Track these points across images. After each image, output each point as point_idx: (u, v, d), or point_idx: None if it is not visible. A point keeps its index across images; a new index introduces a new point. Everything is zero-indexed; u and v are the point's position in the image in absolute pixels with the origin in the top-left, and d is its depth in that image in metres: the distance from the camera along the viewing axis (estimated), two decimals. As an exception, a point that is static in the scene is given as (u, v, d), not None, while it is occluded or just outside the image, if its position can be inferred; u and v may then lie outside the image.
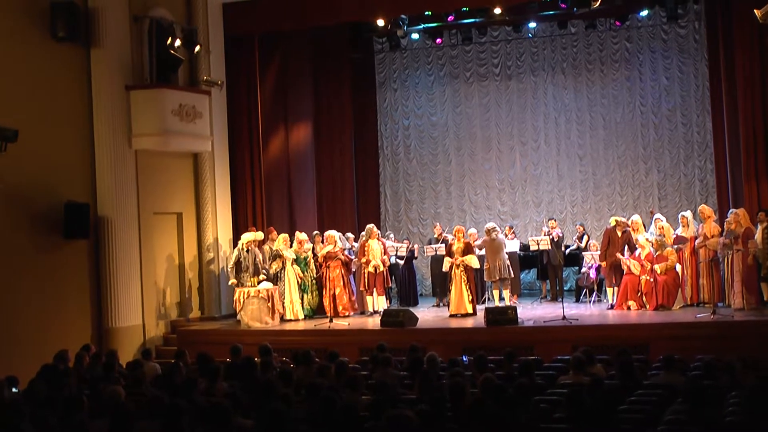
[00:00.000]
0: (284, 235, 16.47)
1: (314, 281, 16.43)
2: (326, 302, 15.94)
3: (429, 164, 21.12)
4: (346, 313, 16.12)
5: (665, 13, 19.01)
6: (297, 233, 16.68)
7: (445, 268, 15.83)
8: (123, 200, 15.35)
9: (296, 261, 16.20)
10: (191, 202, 17.00)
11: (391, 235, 18.57)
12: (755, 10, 13.93)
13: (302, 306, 16.21)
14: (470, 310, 15.36)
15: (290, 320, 15.93)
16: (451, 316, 15.45)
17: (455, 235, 15.91)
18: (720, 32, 17.19)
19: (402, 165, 21.31)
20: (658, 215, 16.33)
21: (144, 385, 9.75)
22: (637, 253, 15.30)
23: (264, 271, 15.91)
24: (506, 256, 16.28)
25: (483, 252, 16.31)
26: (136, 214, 15.62)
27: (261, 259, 15.98)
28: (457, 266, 15.51)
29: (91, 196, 15.14)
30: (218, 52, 17.38)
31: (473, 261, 15.56)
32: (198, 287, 16.96)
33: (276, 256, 16.06)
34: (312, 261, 16.46)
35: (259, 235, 16.27)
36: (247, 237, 15.98)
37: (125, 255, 15.29)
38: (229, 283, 15.96)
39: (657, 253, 15.11)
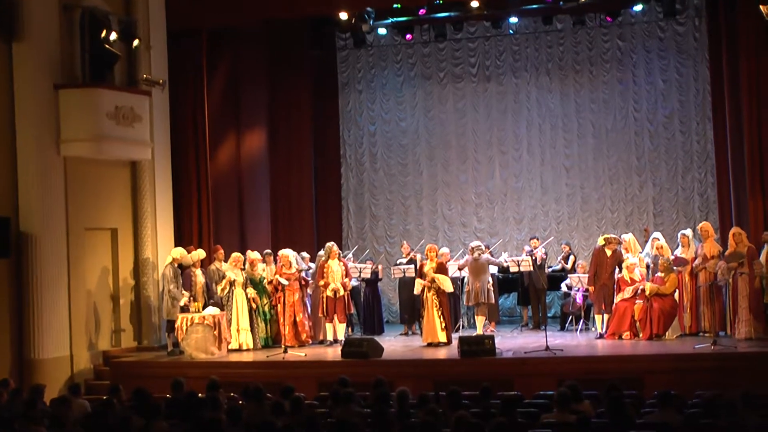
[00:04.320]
0: (237, 255, 16.43)
1: (272, 307, 16.35)
2: (284, 330, 15.88)
3: (397, 175, 21.15)
4: (295, 344, 16.04)
5: (662, 9, 19.06)
6: (248, 252, 16.63)
7: (416, 291, 15.83)
8: (50, 214, 15.23)
9: (252, 284, 16.13)
10: (128, 216, 16.91)
11: (350, 255, 18.49)
12: (761, 6, 14.11)
13: (257, 335, 16.11)
14: (443, 339, 15.37)
15: (236, 350, 15.83)
16: (425, 345, 15.46)
17: (427, 255, 15.88)
18: (723, 30, 17.33)
19: (367, 176, 21.32)
20: (656, 234, 16.40)
21: (71, 426, 9.66)
22: (624, 273, 15.36)
23: (212, 296, 15.86)
24: (489, 279, 16.32)
25: (464, 273, 16.37)
26: (64, 230, 15.50)
27: (203, 281, 15.92)
28: (429, 289, 15.52)
29: (13, 209, 15.01)
30: (160, 48, 17.30)
31: (446, 283, 15.57)
32: (135, 313, 16.83)
33: (222, 277, 15.99)
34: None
35: (201, 254, 16.20)
36: (177, 252, 16.10)
37: (52, 276, 15.16)
38: (182, 303, 15.73)
39: (657, 275, 15.18)
